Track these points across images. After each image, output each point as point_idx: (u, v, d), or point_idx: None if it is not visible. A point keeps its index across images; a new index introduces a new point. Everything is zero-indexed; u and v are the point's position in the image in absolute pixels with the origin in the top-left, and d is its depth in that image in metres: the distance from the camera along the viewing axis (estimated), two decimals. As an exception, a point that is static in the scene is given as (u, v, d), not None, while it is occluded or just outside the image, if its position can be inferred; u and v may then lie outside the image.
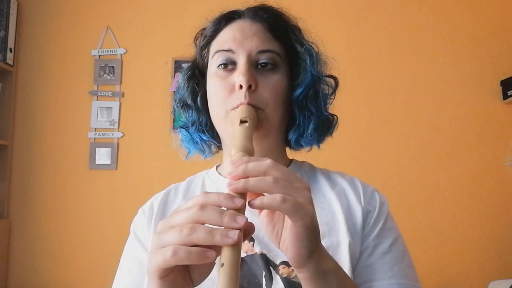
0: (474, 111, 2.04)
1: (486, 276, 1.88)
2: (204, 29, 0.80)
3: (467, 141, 2.03)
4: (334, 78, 0.80)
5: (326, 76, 0.79)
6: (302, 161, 0.84)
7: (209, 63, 0.76)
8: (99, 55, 2.18)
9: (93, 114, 2.14)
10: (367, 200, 0.74)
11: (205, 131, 0.79)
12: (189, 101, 0.79)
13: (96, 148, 2.11)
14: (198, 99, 0.78)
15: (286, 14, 0.79)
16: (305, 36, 0.79)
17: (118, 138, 2.13)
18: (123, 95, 2.16)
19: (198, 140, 0.80)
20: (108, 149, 2.11)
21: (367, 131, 2.06)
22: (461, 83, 2.07)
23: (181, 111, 0.81)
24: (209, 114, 0.77)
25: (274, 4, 0.79)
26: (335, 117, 0.80)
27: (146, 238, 0.75)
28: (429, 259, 1.94)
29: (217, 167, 0.84)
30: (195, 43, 0.82)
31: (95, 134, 2.12)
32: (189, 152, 0.83)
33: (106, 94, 2.15)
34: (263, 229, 0.55)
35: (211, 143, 0.81)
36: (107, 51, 2.18)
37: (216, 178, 0.81)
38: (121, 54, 2.18)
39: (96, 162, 2.10)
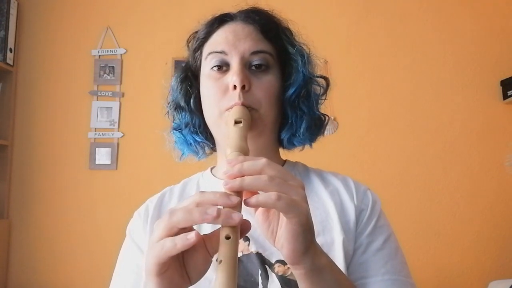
0: (474, 111, 2.04)
1: (486, 276, 1.88)
2: (196, 32, 0.80)
3: (467, 141, 2.03)
4: (326, 78, 0.81)
5: (318, 76, 0.80)
6: (296, 162, 0.84)
7: (202, 65, 0.77)
8: (99, 55, 2.18)
9: (93, 114, 2.14)
10: (359, 199, 0.75)
11: (198, 133, 0.79)
12: (182, 103, 0.80)
13: (96, 148, 2.11)
14: (191, 101, 0.78)
15: (277, 17, 0.80)
16: (296, 37, 0.80)
17: (118, 138, 2.13)
18: (123, 95, 2.16)
19: (191, 141, 0.81)
20: (108, 149, 2.11)
21: (367, 131, 2.06)
22: (461, 83, 2.07)
23: (174, 113, 0.83)
24: (202, 116, 0.78)
25: (265, 7, 0.80)
26: (326, 117, 0.81)
27: (142, 241, 0.76)
28: (429, 259, 1.94)
29: (211, 169, 0.85)
30: (188, 46, 0.83)
31: (95, 134, 2.12)
32: (182, 154, 0.84)
33: (106, 94, 2.15)
34: (259, 227, 0.56)
35: (204, 144, 0.82)
36: (107, 51, 2.18)
37: (211, 180, 0.81)
38: (121, 54, 2.18)
39: (96, 162, 2.10)
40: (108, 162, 2.10)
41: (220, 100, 0.71)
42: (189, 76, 0.80)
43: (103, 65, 2.17)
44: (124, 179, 2.09)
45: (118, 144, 2.12)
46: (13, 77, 2.15)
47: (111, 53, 2.18)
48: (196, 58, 0.79)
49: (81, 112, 2.14)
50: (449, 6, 2.12)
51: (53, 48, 2.20)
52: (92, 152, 2.11)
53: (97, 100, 2.15)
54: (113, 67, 2.17)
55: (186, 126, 0.80)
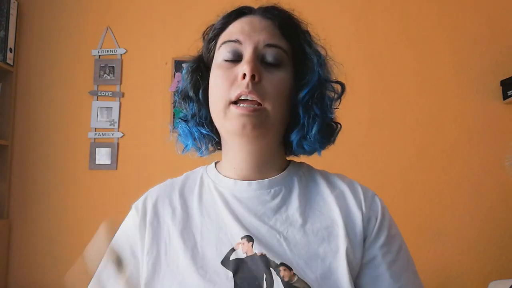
0: (474, 111, 2.04)
1: (486, 276, 1.88)
2: (213, 24, 0.79)
3: (467, 141, 2.03)
4: (341, 84, 0.79)
5: (333, 81, 0.78)
6: (301, 162, 0.82)
7: (215, 55, 0.75)
8: (99, 55, 2.18)
9: (93, 114, 2.14)
10: (368, 206, 0.72)
11: (204, 125, 0.77)
12: (191, 93, 0.78)
13: (96, 148, 2.11)
14: (200, 92, 0.76)
15: (296, 17, 0.78)
16: (314, 39, 0.78)
17: (118, 138, 2.13)
18: (123, 95, 2.16)
19: (196, 134, 0.78)
20: (108, 149, 2.11)
21: (367, 131, 2.06)
22: (461, 83, 2.07)
23: (182, 103, 0.80)
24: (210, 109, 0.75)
25: (286, 6, 0.79)
26: (338, 125, 0.79)
27: (136, 242, 0.73)
28: (429, 259, 1.94)
29: (215, 164, 0.82)
30: (203, 37, 0.81)
31: (95, 134, 2.12)
32: (185, 147, 0.81)
33: (106, 94, 2.15)
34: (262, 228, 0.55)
35: (209, 139, 0.79)
36: (107, 51, 2.18)
37: (215, 176, 0.78)
38: (121, 54, 2.18)
39: (96, 162, 2.10)
40: (108, 162, 2.10)
41: (227, 90, 0.69)
42: (200, 67, 0.78)
43: (103, 65, 2.17)
44: (124, 179, 2.09)
45: (118, 144, 2.12)
46: (13, 77, 2.15)
47: (111, 53, 2.18)
48: (210, 48, 0.77)
49: (81, 112, 2.14)
50: (449, 6, 2.12)
51: (53, 48, 2.20)
52: (92, 152, 2.11)
53: (97, 100, 2.15)
54: (113, 67, 2.17)
55: (192, 117, 0.78)
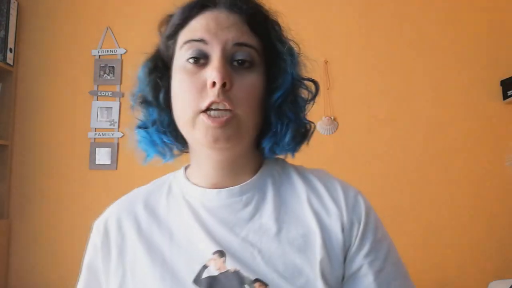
0: (474, 111, 2.04)
1: (486, 276, 1.88)
2: (171, 15, 0.70)
3: (467, 141, 2.03)
4: (315, 82, 0.71)
5: (307, 79, 0.70)
6: (275, 159, 0.73)
7: (175, 55, 0.67)
8: (99, 55, 2.18)
9: (93, 114, 2.14)
10: (349, 209, 0.65)
11: (167, 133, 0.69)
12: (150, 98, 0.69)
13: (96, 148, 2.11)
14: (161, 95, 0.68)
15: (265, 7, 0.69)
16: (285, 33, 0.70)
17: (118, 138, 2.13)
18: (123, 95, 2.16)
19: (158, 142, 0.71)
20: (108, 149, 2.11)
21: (367, 130, 2.06)
22: (461, 83, 2.07)
23: (140, 108, 0.72)
24: (172, 113, 0.68)
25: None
26: (312, 124, 0.71)
27: (97, 266, 0.70)
28: (429, 259, 1.94)
29: (185, 168, 0.75)
30: (160, 30, 0.72)
31: (95, 134, 2.13)
32: (147, 156, 0.74)
33: (106, 94, 2.15)
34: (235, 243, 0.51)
35: (173, 146, 0.72)
36: (107, 51, 2.18)
37: (183, 184, 0.72)
38: (121, 54, 2.18)
39: (96, 162, 2.10)
40: (108, 162, 2.10)
41: (195, 99, 0.61)
42: (159, 67, 0.70)
43: (103, 65, 2.17)
44: (124, 179, 2.09)
45: (118, 144, 2.12)
46: (13, 77, 2.15)
47: (111, 53, 2.18)
48: (169, 46, 0.69)
49: (81, 112, 2.15)
50: (449, 6, 2.12)
51: (53, 48, 2.20)
52: (92, 152, 2.11)
53: (97, 100, 2.15)
54: (113, 67, 2.17)
55: (153, 124, 0.70)
